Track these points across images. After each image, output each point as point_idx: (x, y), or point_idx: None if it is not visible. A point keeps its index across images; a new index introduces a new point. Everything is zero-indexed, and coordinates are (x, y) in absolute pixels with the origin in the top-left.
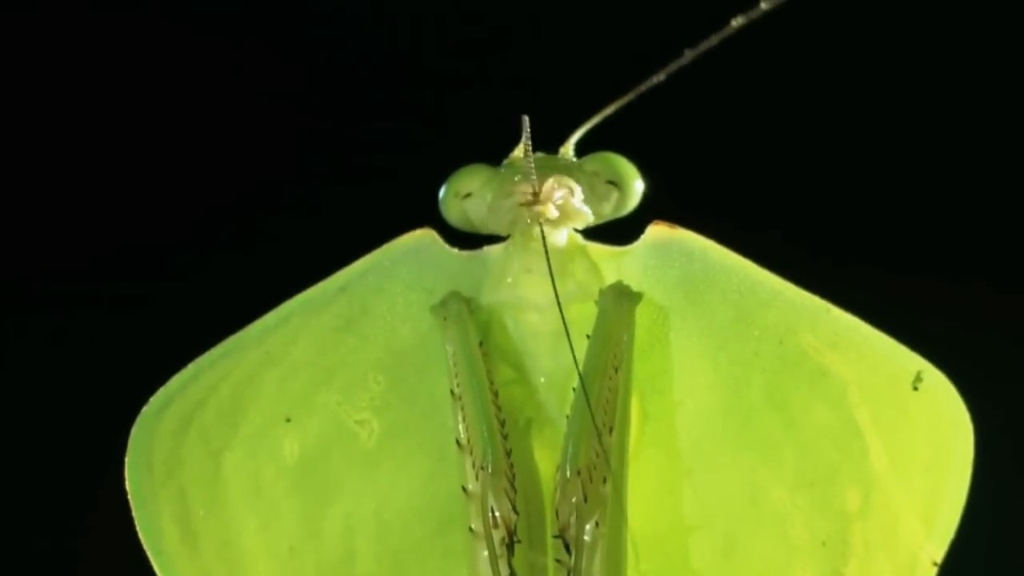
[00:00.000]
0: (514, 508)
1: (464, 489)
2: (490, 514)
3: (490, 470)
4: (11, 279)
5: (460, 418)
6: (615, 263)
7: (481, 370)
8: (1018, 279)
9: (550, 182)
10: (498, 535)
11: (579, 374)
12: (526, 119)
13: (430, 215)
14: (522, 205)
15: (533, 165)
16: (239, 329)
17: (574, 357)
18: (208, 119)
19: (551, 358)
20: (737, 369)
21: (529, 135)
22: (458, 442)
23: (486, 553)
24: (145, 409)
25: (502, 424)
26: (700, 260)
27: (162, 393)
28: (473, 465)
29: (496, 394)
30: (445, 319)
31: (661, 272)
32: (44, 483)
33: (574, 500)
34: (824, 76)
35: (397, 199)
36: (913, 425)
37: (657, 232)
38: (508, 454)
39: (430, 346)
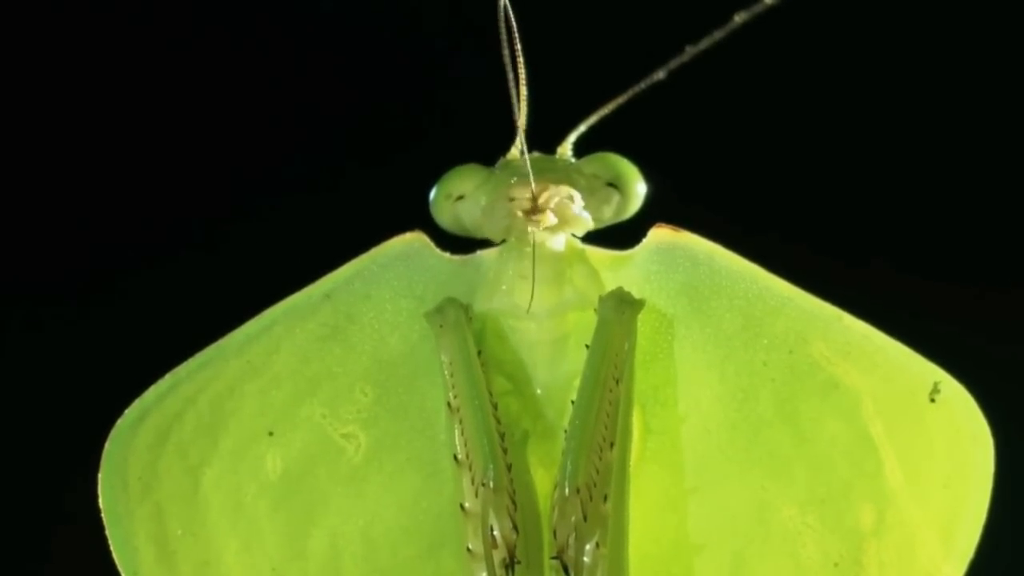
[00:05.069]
0: (515, 527)
1: (462, 507)
2: (489, 533)
3: (491, 486)
4: None
5: (458, 432)
6: (616, 268)
7: (481, 381)
8: None
9: (548, 191)
10: (498, 556)
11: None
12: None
13: (421, 217)
14: (517, 211)
15: (529, 167)
16: (219, 337)
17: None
18: (191, 120)
19: (548, 368)
20: (744, 380)
21: (524, 129)
22: (455, 457)
23: (485, 575)
24: (120, 422)
25: (502, 438)
26: (705, 265)
27: (137, 405)
28: (472, 481)
29: (495, 406)
30: (442, 327)
31: (664, 278)
32: (10, 500)
33: (573, 519)
34: (832, 71)
35: (385, 200)
36: (930, 439)
37: (660, 236)
38: (509, 469)
39: (420, 356)
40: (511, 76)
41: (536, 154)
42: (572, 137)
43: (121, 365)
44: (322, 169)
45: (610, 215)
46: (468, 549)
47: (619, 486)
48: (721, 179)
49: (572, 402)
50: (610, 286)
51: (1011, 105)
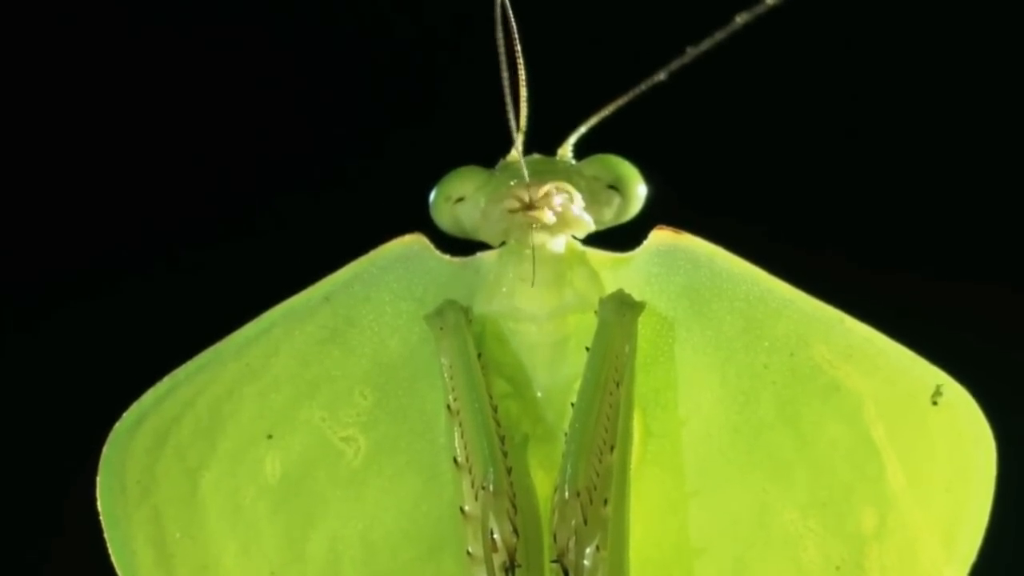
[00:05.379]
0: (515, 530)
1: (462, 510)
2: (490, 536)
3: (491, 490)
4: None
5: (458, 435)
6: (616, 271)
7: (481, 384)
8: None
9: (547, 187)
10: (498, 559)
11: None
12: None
13: (420, 219)
14: (517, 212)
15: (528, 169)
16: (217, 340)
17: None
18: (191, 122)
19: (548, 371)
20: (745, 383)
21: (523, 134)
22: (455, 460)
23: None
24: (118, 425)
25: (502, 441)
26: (706, 267)
27: (136, 408)
28: (472, 484)
29: (495, 409)
30: (441, 329)
31: (665, 280)
32: (9, 503)
33: (573, 523)
34: (834, 71)
35: (385, 202)
36: (932, 442)
37: (661, 238)
38: (509, 472)
39: (420, 358)
40: (511, 77)
41: (536, 155)
42: (572, 139)
43: (119, 368)
44: (321, 171)
45: (611, 217)
46: (468, 552)
47: (619, 489)
48: (722, 181)
49: (572, 405)
50: (610, 288)
51: (1009, 105)
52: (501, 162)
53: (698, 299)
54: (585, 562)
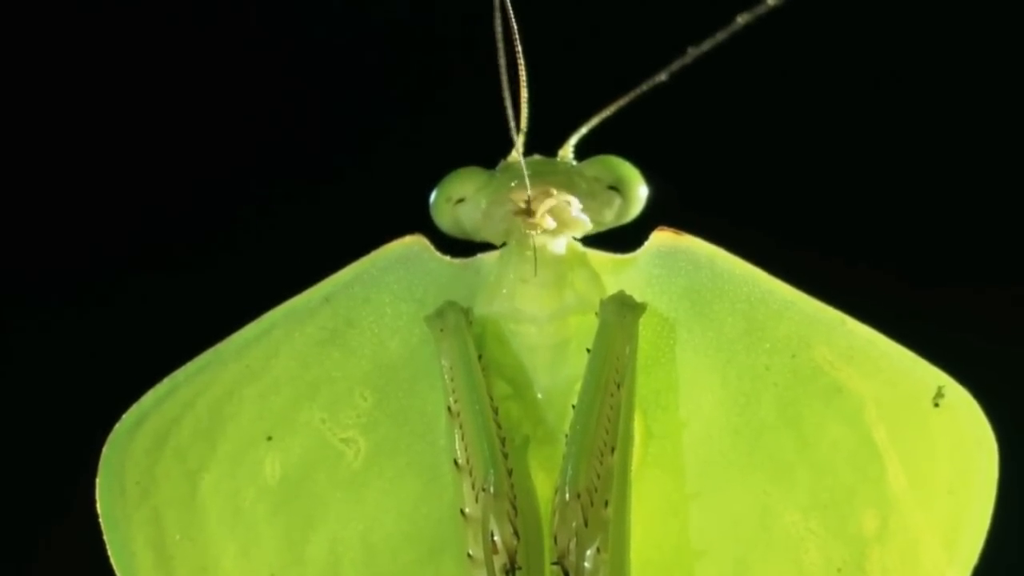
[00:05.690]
0: (515, 532)
1: (462, 512)
2: (490, 539)
3: (492, 491)
4: None
5: (458, 436)
6: (617, 272)
7: (482, 385)
8: None
9: (547, 193)
10: (499, 561)
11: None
12: None
13: (421, 220)
14: (517, 215)
15: (528, 170)
16: (218, 341)
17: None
18: (191, 122)
19: (549, 373)
20: (747, 384)
21: (524, 134)
22: (456, 462)
23: None
24: (117, 427)
25: (502, 442)
26: (707, 268)
27: (135, 409)
28: (473, 486)
29: (496, 411)
30: (442, 331)
31: (666, 281)
32: (8, 504)
33: (574, 524)
34: (835, 72)
35: (385, 202)
36: (934, 444)
37: (662, 239)
38: (509, 474)
39: (420, 360)
40: (511, 77)
41: (537, 157)
42: (573, 140)
43: (119, 369)
44: (322, 172)
45: (612, 218)
46: (469, 555)
47: (620, 491)
48: (723, 182)
49: (573, 406)
50: (612, 290)
51: (1008, 106)
52: (502, 163)
53: (699, 300)
54: (586, 564)
